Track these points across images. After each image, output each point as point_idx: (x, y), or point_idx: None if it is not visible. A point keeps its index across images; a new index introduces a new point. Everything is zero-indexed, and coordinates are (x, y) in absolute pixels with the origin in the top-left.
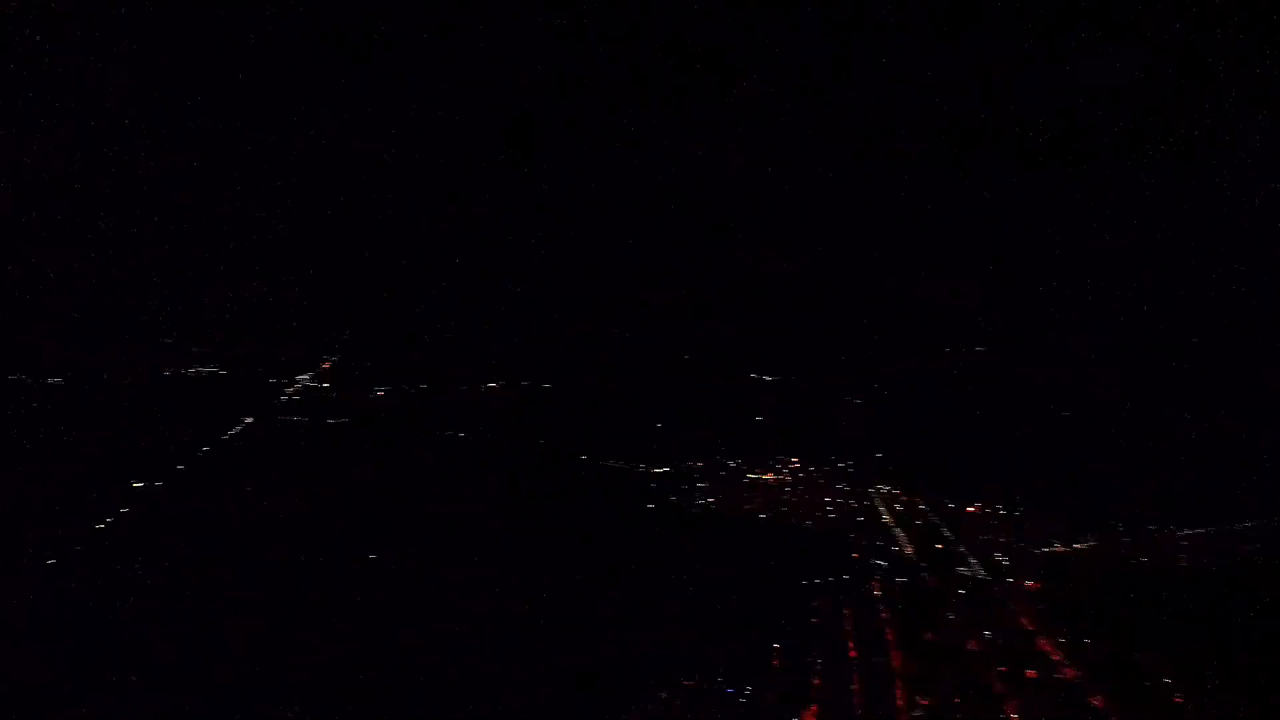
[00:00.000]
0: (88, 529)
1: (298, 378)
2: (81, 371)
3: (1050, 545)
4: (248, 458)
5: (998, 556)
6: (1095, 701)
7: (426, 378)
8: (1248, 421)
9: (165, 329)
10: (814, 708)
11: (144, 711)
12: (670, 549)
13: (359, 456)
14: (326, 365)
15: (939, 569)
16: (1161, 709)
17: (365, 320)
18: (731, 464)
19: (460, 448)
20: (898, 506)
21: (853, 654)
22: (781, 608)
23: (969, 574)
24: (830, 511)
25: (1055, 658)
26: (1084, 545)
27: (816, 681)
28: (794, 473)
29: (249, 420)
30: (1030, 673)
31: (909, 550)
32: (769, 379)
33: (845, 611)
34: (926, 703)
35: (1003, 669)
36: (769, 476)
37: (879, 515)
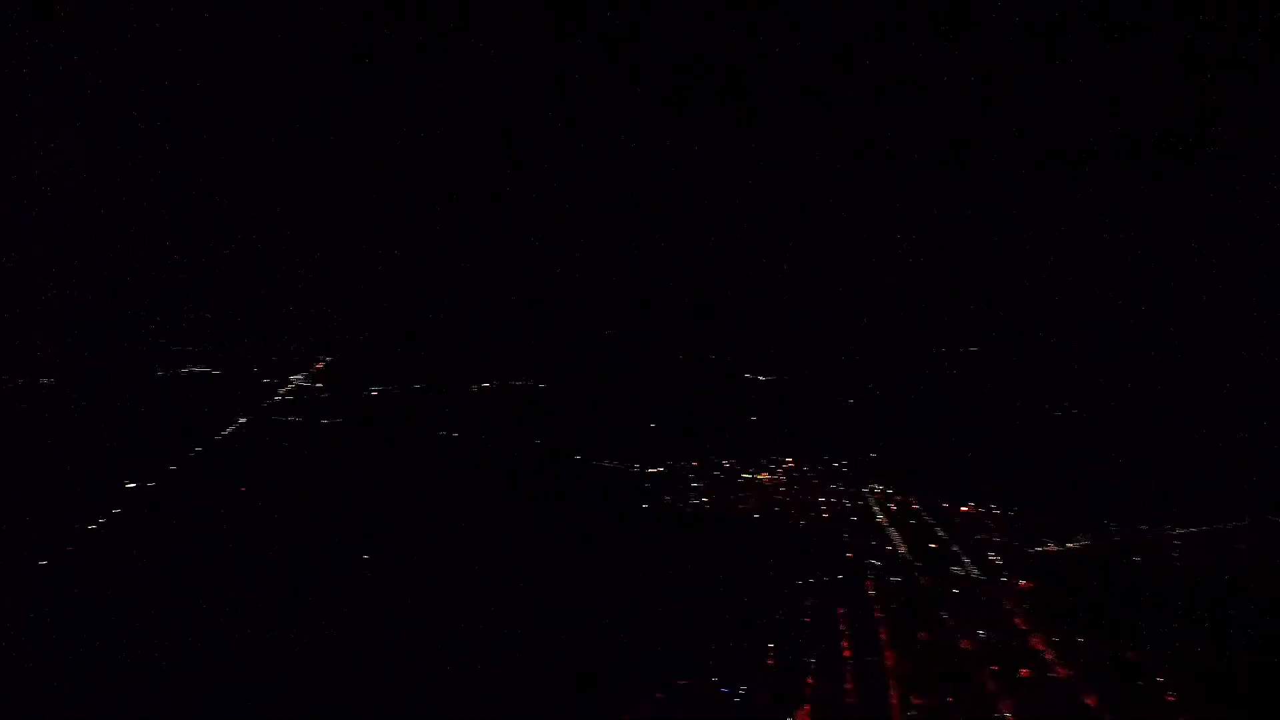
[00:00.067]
0: (81, 529)
1: (291, 378)
2: (74, 371)
3: (1044, 545)
4: (241, 458)
5: (991, 556)
6: (1088, 700)
7: (420, 378)
8: (1240, 420)
9: (158, 329)
10: (808, 707)
11: (143, 712)
12: (665, 549)
13: (353, 456)
14: (320, 365)
15: (933, 568)
16: (1154, 708)
17: (359, 320)
18: (726, 464)
19: (453, 448)
20: (891, 506)
21: (847, 653)
22: (776, 607)
23: (962, 573)
24: (824, 511)
25: (1048, 657)
26: (1077, 545)
27: (811, 681)
28: (788, 472)
29: (243, 420)
30: (1024, 672)
31: (903, 550)
32: (763, 379)
33: (839, 611)
34: (920, 702)
35: (996, 668)
36: (763, 476)
37: (873, 515)
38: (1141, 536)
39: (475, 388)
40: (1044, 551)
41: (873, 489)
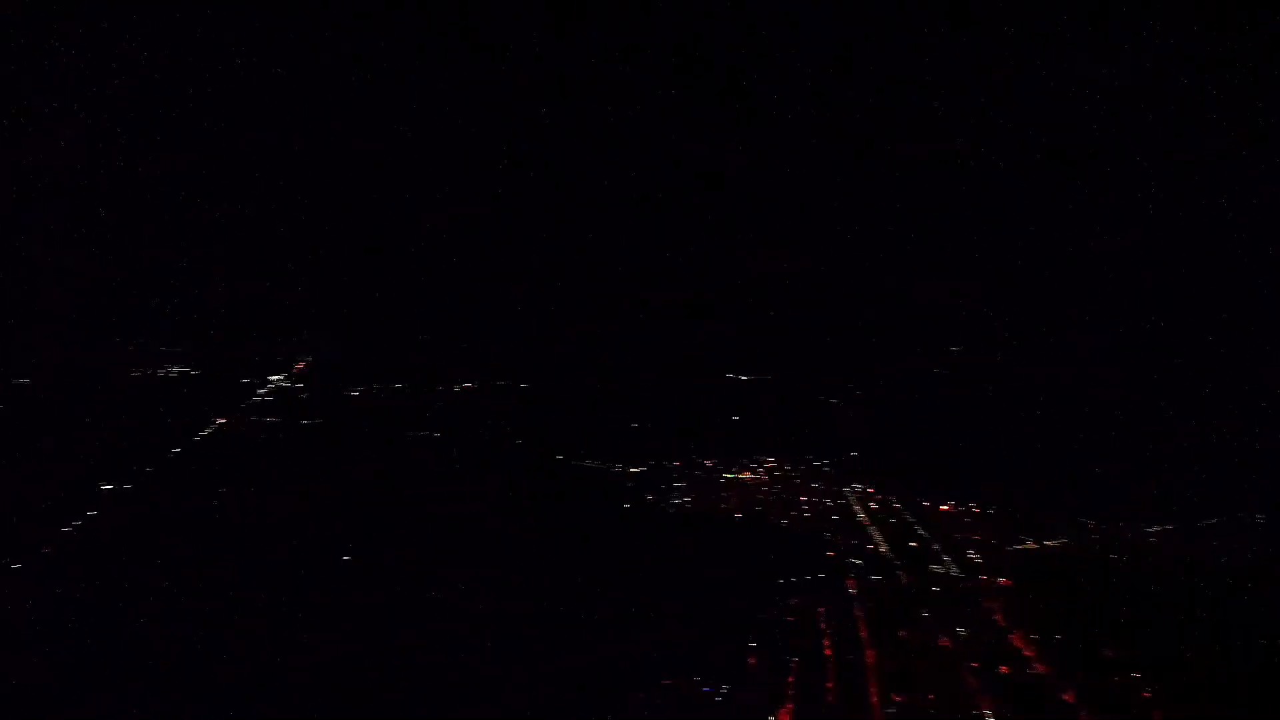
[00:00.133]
0: (56, 531)
1: (270, 378)
2: (48, 372)
3: (1023, 543)
4: (219, 459)
5: (971, 554)
6: (1067, 697)
7: (401, 378)
8: (1222, 420)
9: (134, 329)
10: (790, 706)
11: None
12: (646, 549)
13: (334, 457)
14: (300, 366)
15: (913, 567)
16: (1132, 705)
17: (339, 320)
18: (707, 463)
19: (435, 448)
20: (873, 505)
21: (828, 652)
22: (757, 607)
23: (943, 571)
24: (806, 511)
25: (1028, 654)
26: (1056, 543)
27: (792, 680)
28: (770, 472)
29: (220, 421)
30: (1003, 669)
31: (884, 549)
32: (745, 378)
33: (821, 610)
34: (901, 699)
35: (975, 665)
36: (745, 476)
37: (854, 514)
38: (1120, 534)
39: (457, 388)
40: (1023, 549)
41: (854, 488)
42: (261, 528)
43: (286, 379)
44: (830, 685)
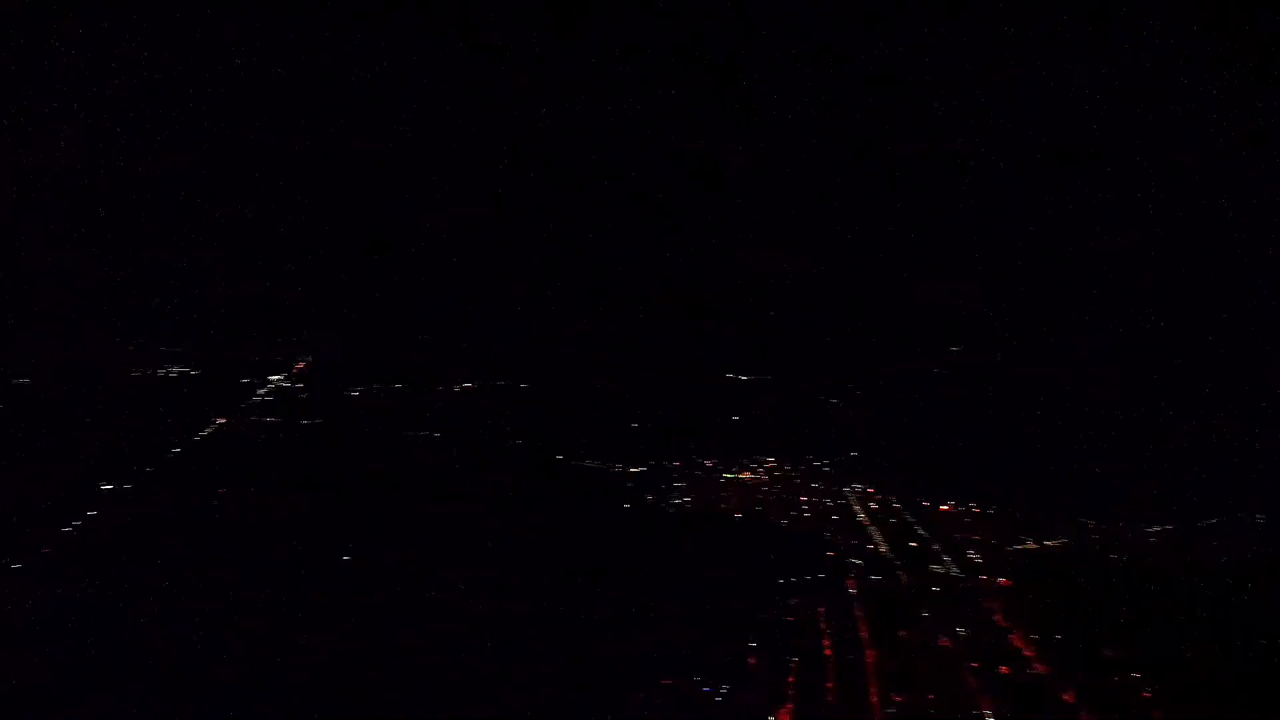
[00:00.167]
0: (56, 531)
1: (270, 378)
2: (49, 371)
3: (1023, 543)
4: (219, 459)
5: (971, 554)
6: (1066, 697)
7: (401, 378)
8: (1219, 420)
9: (135, 329)
10: (790, 706)
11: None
12: (646, 549)
13: (334, 457)
14: (300, 366)
15: (913, 567)
16: (1131, 705)
17: (339, 320)
18: (707, 463)
19: (436, 448)
20: (872, 505)
21: (828, 652)
22: (757, 607)
23: (942, 571)
24: (806, 510)
25: (1028, 654)
26: (1056, 543)
27: (792, 680)
28: (770, 472)
29: (220, 421)
30: (1003, 669)
31: (883, 549)
32: (745, 378)
33: (821, 610)
34: (901, 699)
35: (975, 665)
36: (745, 476)
37: (854, 514)
38: (1120, 534)
39: (457, 388)
40: (1023, 549)
41: (854, 488)
42: (261, 528)
43: (286, 379)
44: (830, 685)
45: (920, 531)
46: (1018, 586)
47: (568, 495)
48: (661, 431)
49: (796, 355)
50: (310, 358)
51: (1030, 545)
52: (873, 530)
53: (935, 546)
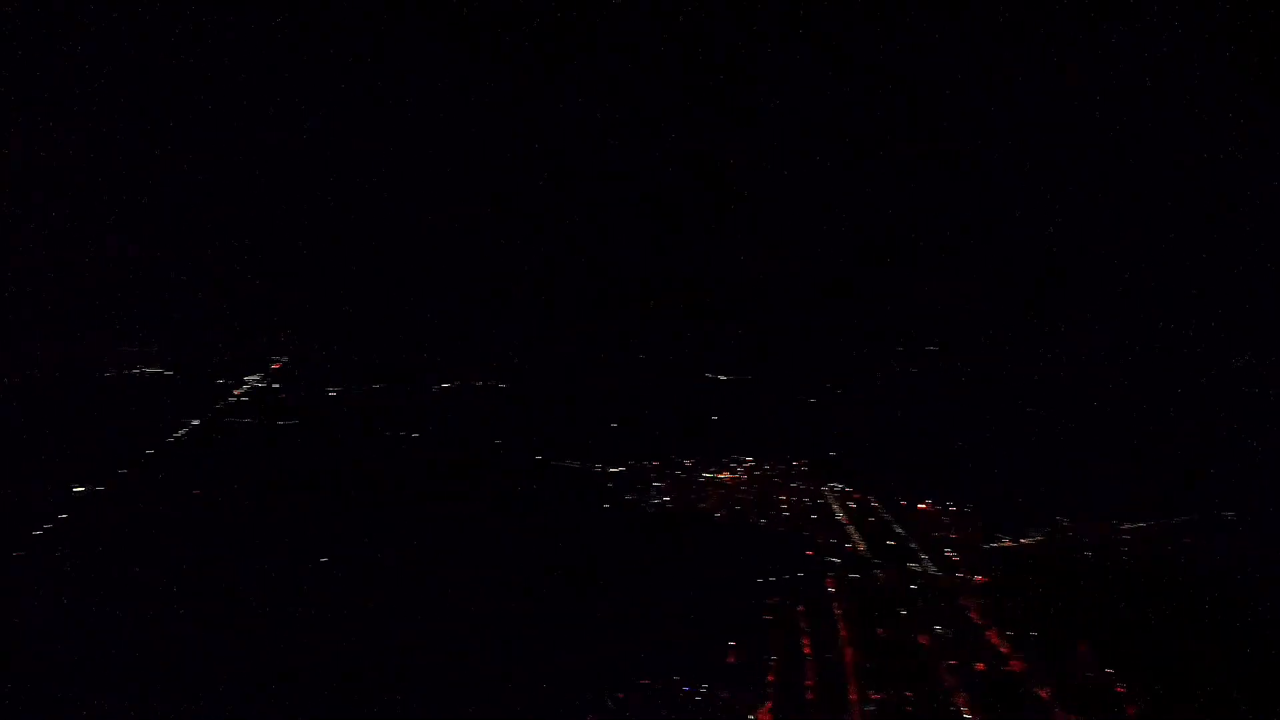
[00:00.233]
0: (27, 535)
1: (246, 378)
2: (20, 372)
3: (999, 540)
4: (195, 460)
5: (948, 552)
6: (1042, 693)
7: (379, 378)
8: (1194, 419)
9: (107, 329)
10: (769, 704)
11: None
12: (626, 548)
13: (311, 457)
14: (276, 366)
15: (891, 565)
16: (1105, 700)
17: (318, 320)
18: (687, 463)
19: (414, 448)
20: (851, 504)
21: (808, 650)
22: (737, 605)
23: (920, 570)
24: (785, 510)
25: (1004, 651)
26: (1031, 540)
27: (772, 678)
28: (749, 471)
29: (195, 423)
30: (979, 665)
31: (862, 547)
32: (724, 378)
33: (800, 609)
34: (879, 697)
35: (953, 663)
36: (724, 475)
37: (832, 513)
38: (1093, 532)
39: (436, 388)
40: (999, 547)
41: (833, 487)
42: (237, 529)
43: (264, 378)
44: (810, 683)
45: (898, 530)
46: (994, 584)
47: (548, 496)
48: (641, 431)
49: (776, 355)
50: (287, 357)
51: (1007, 543)
52: (851, 529)
53: (913, 545)
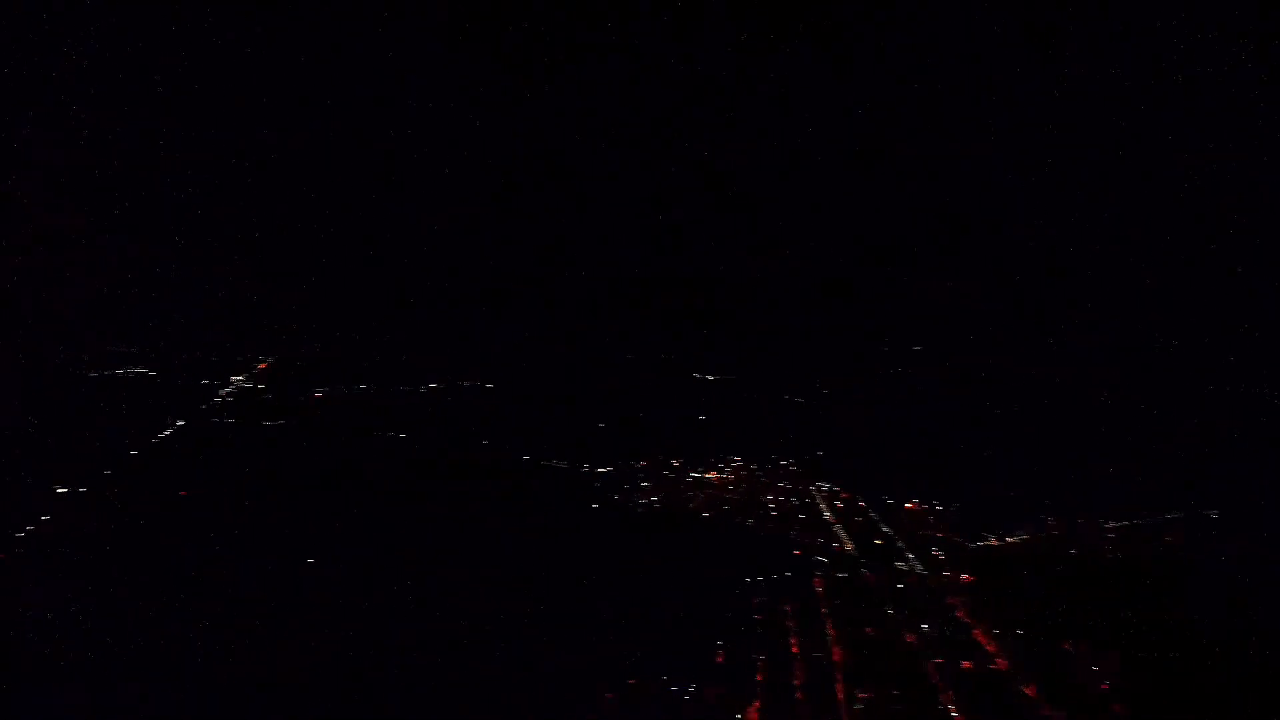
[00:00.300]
0: (9, 536)
1: (232, 379)
2: (8, 372)
3: (985, 539)
4: (178, 462)
5: (934, 551)
6: (1028, 691)
7: (365, 378)
8: (1178, 418)
9: (91, 329)
10: (757, 703)
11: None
12: (614, 548)
13: (296, 458)
14: (263, 366)
15: (878, 564)
16: (1090, 698)
17: (303, 321)
18: (675, 463)
19: (401, 449)
20: (838, 504)
21: (795, 649)
22: (725, 605)
23: (907, 569)
24: (772, 509)
25: (990, 649)
26: (1017, 539)
27: (760, 677)
28: (736, 471)
29: (180, 423)
30: (965, 664)
31: (849, 547)
32: (711, 378)
33: (787, 608)
34: (866, 695)
35: (939, 661)
36: (712, 475)
37: (820, 513)
38: (1078, 530)
39: (422, 388)
40: (985, 545)
41: (819, 487)
42: (221, 529)
43: (249, 379)
44: (797, 682)
45: (885, 529)
46: (980, 582)
47: (536, 496)
48: (628, 431)
49: (767, 355)
50: (273, 358)
51: (993, 542)
52: (838, 529)
53: (899, 544)
